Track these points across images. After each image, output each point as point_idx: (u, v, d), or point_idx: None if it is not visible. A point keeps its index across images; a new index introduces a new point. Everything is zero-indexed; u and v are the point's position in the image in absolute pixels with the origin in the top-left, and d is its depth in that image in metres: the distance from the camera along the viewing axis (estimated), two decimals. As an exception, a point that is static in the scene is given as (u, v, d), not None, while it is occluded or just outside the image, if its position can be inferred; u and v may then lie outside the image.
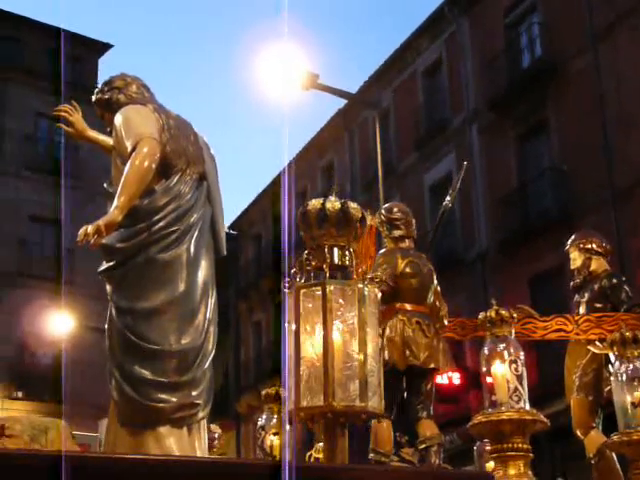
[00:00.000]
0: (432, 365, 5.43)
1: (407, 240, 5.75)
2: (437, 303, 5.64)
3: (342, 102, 22.31)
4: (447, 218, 6.61)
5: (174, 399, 3.51)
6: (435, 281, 5.70)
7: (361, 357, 2.88)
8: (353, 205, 3.07)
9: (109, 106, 3.99)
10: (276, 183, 27.64)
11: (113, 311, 3.65)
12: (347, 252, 2.99)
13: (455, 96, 21.21)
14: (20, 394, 22.49)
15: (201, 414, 3.61)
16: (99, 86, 4.12)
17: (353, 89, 21.50)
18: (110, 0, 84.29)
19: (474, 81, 20.64)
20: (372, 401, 2.88)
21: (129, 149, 3.63)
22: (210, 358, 3.70)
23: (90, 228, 3.45)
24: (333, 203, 3.00)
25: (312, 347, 2.89)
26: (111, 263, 3.68)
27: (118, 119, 3.80)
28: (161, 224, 3.63)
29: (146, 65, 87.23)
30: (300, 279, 2.97)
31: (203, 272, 3.72)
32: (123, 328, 3.58)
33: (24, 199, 23.70)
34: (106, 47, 27.61)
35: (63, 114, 4.29)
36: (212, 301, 3.76)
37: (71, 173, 23.80)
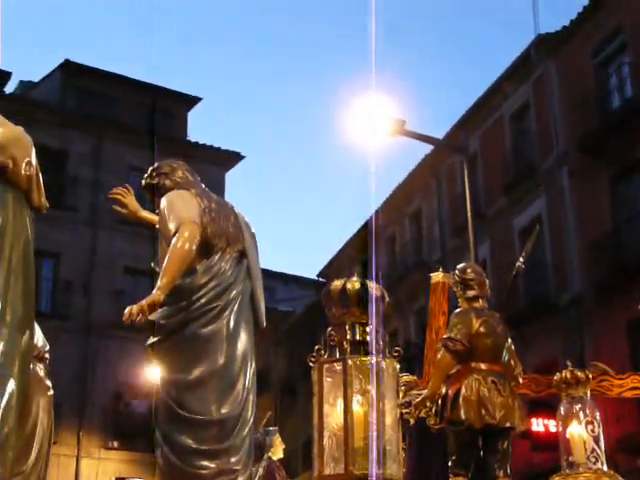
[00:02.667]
0: (508, 424, 5.51)
1: (480, 300, 6.01)
2: (512, 362, 5.78)
3: (429, 148, 22.32)
4: (524, 271, 6.80)
5: (214, 465, 3.76)
6: (509, 340, 5.87)
7: (380, 428, 3.10)
8: (372, 285, 3.30)
9: (157, 190, 4.30)
10: (364, 230, 27.64)
11: (160, 383, 3.95)
12: (367, 329, 3.27)
13: (544, 139, 20.96)
14: (115, 444, 22.81)
15: (240, 479, 3.83)
16: (148, 172, 4.44)
17: (440, 135, 21.50)
18: (198, 54, 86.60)
19: (563, 123, 20.38)
20: (390, 469, 3.12)
21: (172, 232, 3.93)
22: (249, 425, 3.92)
23: (135, 308, 3.73)
24: (353, 283, 3.30)
25: (334, 418, 3.17)
26: (157, 338, 3.99)
27: (163, 203, 4.11)
28: (202, 301, 3.93)
29: (234, 115, 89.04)
30: (324, 354, 3.33)
31: (242, 344, 3.97)
32: (167, 399, 3.87)
33: (119, 251, 24.28)
34: (195, 100, 28.30)
35: (117, 197, 4.61)
36: (251, 371, 4.00)
37: (163, 224, 24.32)
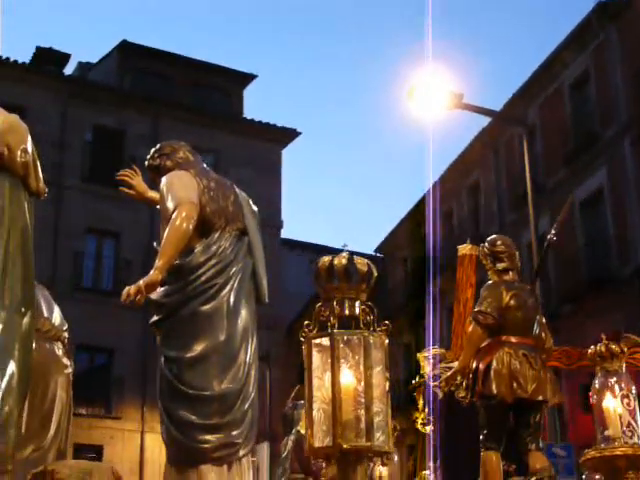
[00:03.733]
0: (540, 397, 5.46)
1: (511, 272, 5.91)
2: (543, 335, 5.70)
3: (487, 120, 21.96)
4: (550, 247, 6.74)
5: (215, 439, 3.86)
6: (540, 313, 5.75)
7: (367, 400, 3.18)
8: (360, 260, 3.39)
9: (158, 171, 4.40)
10: (422, 205, 27.42)
11: (162, 360, 4.05)
12: (356, 303, 3.31)
13: (605, 108, 20.45)
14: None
15: (242, 452, 3.93)
16: (150, 153, 4.54)
17: (498, 107, 21.14)
18: (253, 31, 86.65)
19: (624, 92, 19.85)
20: (379, 440, 3.18)
21: (170, 212, 4.02)
22: (251, 399, 4.00)
23: (132, 288, 3.86)
24: (340, 259, 3.36)
25: (322, 392, 3.23)
26: (158, 316, 4.09)
27: (162, 184, 4.21)
28: (202, 279, 4.01)
29: (289, 92, 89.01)
30: (314, 329, 3.33)
31: (243, 320, 4.05)
32: (170, 375, 3.97)
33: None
34: (251, 77, 28.33)
35: (125, 178, 4.71)
36: (252, 346, 4.08)
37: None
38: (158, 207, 4.30)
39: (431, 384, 6.52)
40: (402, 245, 29.32)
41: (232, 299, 4.04)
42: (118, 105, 25.25)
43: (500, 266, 5.77)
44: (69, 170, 24.18)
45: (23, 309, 3.10)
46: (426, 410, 6.64)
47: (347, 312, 3.33)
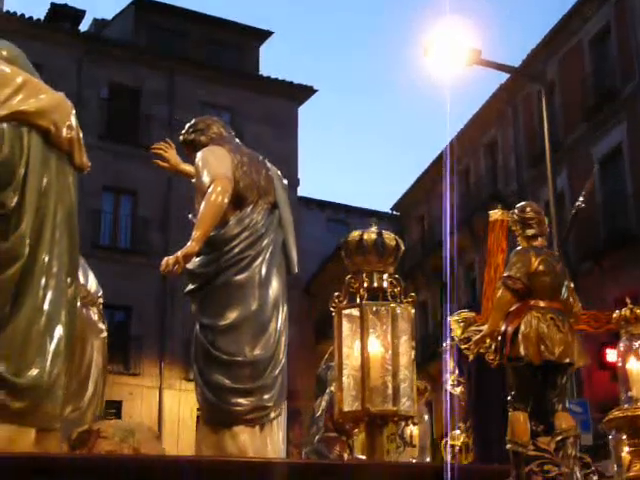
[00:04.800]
0: (567, 360, 5.56)
1: (540, 238, 6.12)
2: (570, 299, 5.79)
3: (505, 77, 21.75)
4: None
5: (247, 402, 4.06)
6: (568, 278, 5.90)
7: (394, 367, 3.41)
8: (388, 235, 3.60)
9: (192, 146, 4.54)
10: (439, 162, 27.32)
11: (197, 327, 4.23)
12: (383, 276, 3.54)
13: (625, 64, 20.23)
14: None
15: (272, 414, 4.14)
16: (185, 128, 4.68)
17: (516, 63, 20.93)
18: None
19: (646, 47, 19.56)
20: (404, 405, 3.43)
21: (205, 186, 4.19)
22: (281, 365, 4.20)
23: (171, 259, 4.03)
24: (370, 234, 3.57)
25: (352, 360, 3.45)
26: (194, 286, 4.27)
27: (197, 159, 4.35)
28: (236, 250, 4.19)
29: (306, 49, 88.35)
30: (344, 300, 3.55)
31: (274, 290, 4.24)
32: (205, 342, 4.15)
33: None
34: (267, 34, 28.11)
35: (159, 151, 4.86)
36: (283, 315, 4.26)
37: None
38: (193, 181, 4.44)
39: (462, 347, 6.64)
40: (419, 203, 29.26)
41: (264, 270, 4.22)
42: (134, 62, 25.12)
43: (529, 232, 5.93)
44: (85, 128, 23.63)
45: (69, 278, 3.29)
46: (456, 372, 6.77)
47: (375, 284, 3.51)
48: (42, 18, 25.51)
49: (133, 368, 23.04)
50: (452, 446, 6.37)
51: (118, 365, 22.89)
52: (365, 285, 3.52)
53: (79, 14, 26.42)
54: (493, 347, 5.99)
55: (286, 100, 26.52)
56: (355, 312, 3.50)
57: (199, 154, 4.38)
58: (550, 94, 20.24)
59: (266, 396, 4.09)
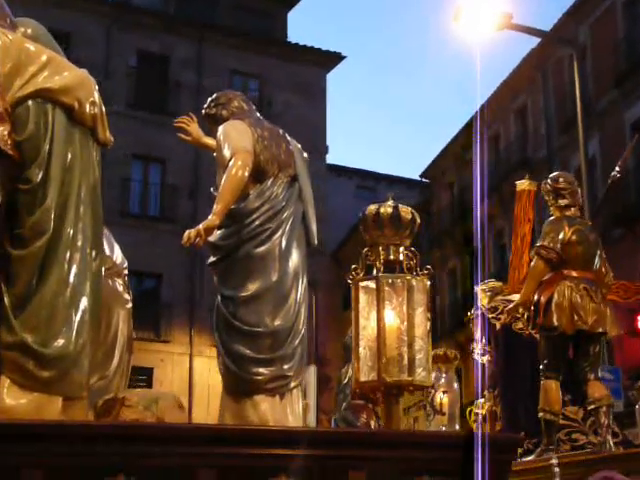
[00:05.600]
0: (600, 329, 5.67)
1: (573, 209, 6.13)
2: (603, 269, 5.89)
3: (536, 41, 21.48)
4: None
5: (268, 372, 4.16)
6: (601, 247, 5.95)
7: (409, 338, 3.49)
8: (404, 208, 3.70)
9: (214, 120, 4.62)
10: (468, 128, 27.10)
11: (219, 298, 4.32)
12: (399, 249, 3.64)
13: (658, 28, 19.85)
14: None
15: (292, 384, 4.22)
16: (207, 102, 4.74)
17: (547, 27, 20.64)
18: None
19: (680, 9, 19.21)
20: (420, 375, 3.52)
21: (227, 160, 4.26)
22: (301, 336, 4.27)
23: (192, 232, 4.12)
24: (386, 208, 3.66)
25: (368, 331, 3.56)
26: (216, 258, 4.38)
27: (219, 133, 4.44)
28: (256, 223, 4.27)
29: (334, 15, 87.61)
30: (361, 272, 3.67)
31: (294, 262, 4.31)
32: (226, 313, 4.25)
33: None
34: (295, 1, 27.92)
35: (182, 125, 4.95)
36: (302, 286, 4.33)
37: (265, 127, 24.44)
38: (214, 154, 4.51)
39: (489, 316, 6.68)
40: (448, 170, 29.11)
41: (284, 242, 4.30)
42: (162, 30, 25.16)
43: (562, 202, 6.02)
44: (114, 96, 24.22)
45: (94, 251, 3.38)
46: (483, 341, 6.81)
47: (392, 257, 3.63)
48: (71, -14, 25.48)
49: (164, 335, 23.32)
50: (477, 414, 6.47)
51: (149, 332, 23.17)
52: (382, 258, 3.62)
53: (108, -18, 26.39)
54: (525, 316, 6.03)
55: (315, 67, 26.43)
56: (372, 284, 3.59)
57: (220, 128, 4.46)
58: (581, 58, 19.96)
59: (286, 366, 4.18)
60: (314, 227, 4.47)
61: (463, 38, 18.80)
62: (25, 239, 3.19)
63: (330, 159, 27.36)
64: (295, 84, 25.77)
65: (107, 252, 4.73)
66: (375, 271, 3.62)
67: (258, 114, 4.67)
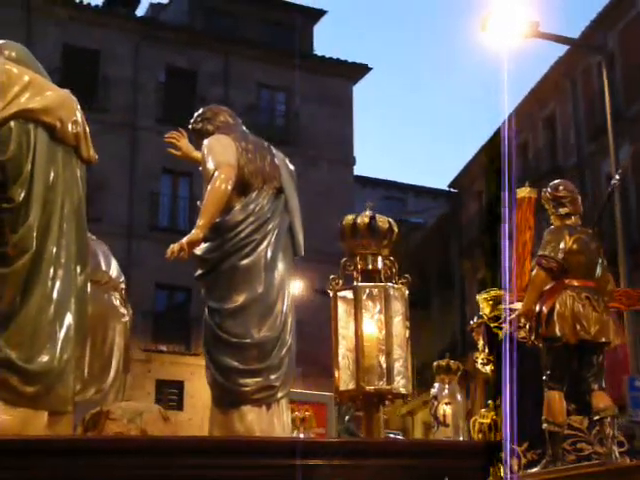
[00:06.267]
0: (603, 339, 5.59)
1: (573, 217, 6.04)
2: (604, 278, 5.81)
3: (563, 49, 21.35)
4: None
5: (254, 383, 4.18)
6: (603, 256, 5.87)
7: (388, 347, 3.52)
8: (381, 218, 3.72)
9: (200, 134, 4.69)
10: (496, 138, 26.95)
11: (206, 310, 4.37)
12: (377, 258, 3.67)
13: (688, 33, 19.62)
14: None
15: (279, 394, 4.23)
16: (194, 117, 4.83)
17: (575, 34, 20.49)
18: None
19: None
20: (399, 384, 3.58)
21: (210, 174, 4.33)
22: (287, 346, 4.28)
23: (176, 246, 4.21)
24: (363, 218, 3.74)
25: (347, 340, 3.61)
26: (202, 271, 4.43)
27: (204, 146, 4.52)
28: (241, 235, 4.31)
29: (360, 28, 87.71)
30: (339, 282, 3.74)
31: (279, 273, 4.33)
32: (212, 325, 4.28)
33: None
34: (320, 13, 28.07)
35: (172, 140, 5.04)
36: (289, 297, 4.35)
37: (292, 140, 24.54)
38: (200, 168, 4.59)
39: (491, 325, 6.62)
40: (477, 179, 28.95)
41: (269, 254, 4.33)
42: (189, 45, 25.36)
43: (562, 211, 5.94)
44: (143, 111, 24.51)
45: (78, 267, 3.45)
46: (486, 350, 6.76)
47: (370, 266, 3.67)
48: (100, 4, 25.88)
49: (194, 348, 23.37)
50: (481, 424, 6.42)
51: (179, 345, 23.30)
52: (359, 267, 3.67)
53: (135, -1, 26.76)
54: (527, 326, 5.97)
55: (341, 79, 26.49)
56: (349, 294, 3.66)
57: (205, 142, 4.54)
58: (610, 65, 19.80)
59: (273, 376, 4.21)
60: (301, 238, 4.50)
61: (490, 47, 18.75)
62: (8, 257, 3.26)
63: (357, 170, 27.39)
64: (322, 96, 25.83)
65: (104, 267, 4.84)
66: (353, 281, 3.70)
67: (244, 127, 4.75)
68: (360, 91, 61.84)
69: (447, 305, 29.25)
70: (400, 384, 3.57)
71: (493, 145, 26.88)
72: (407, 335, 3.62)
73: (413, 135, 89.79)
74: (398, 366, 3.55)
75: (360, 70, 27.13)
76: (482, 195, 28.67)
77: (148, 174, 23.90)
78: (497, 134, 26.81)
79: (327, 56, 26.87)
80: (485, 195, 28.31)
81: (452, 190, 30.44)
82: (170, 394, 22.81)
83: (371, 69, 27.12)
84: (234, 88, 25.22)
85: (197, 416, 20.87)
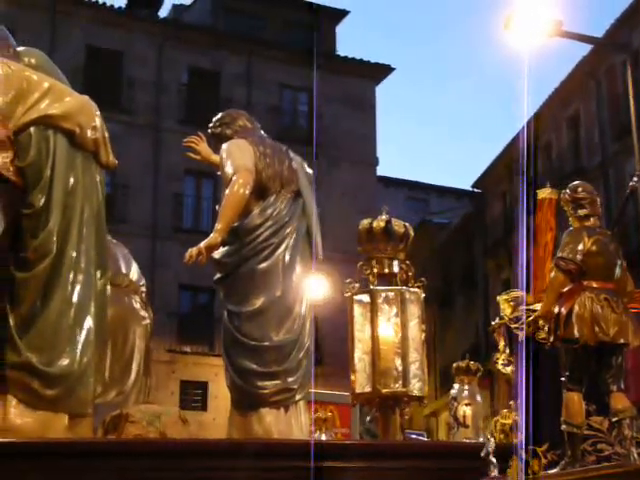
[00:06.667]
0: (622, 340, 5.57)
1: (592, 218, 6.05)
2: (624, 279, 5.74)
3: (587, 48, 21.21)
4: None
5: (273, 385, 4.20)
6: (621, 257, 5.87)
7: (404, 350, 3.56)
8: (397, 222, 3.75)
9: (219, 139, 4.75)
10: (519, 138, 26.83)
11: (225, 314, 4.42)
12: (393, 262, 3.69)
13: None
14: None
15: (298, 396, 4.26)
16: (212, 122, 4.88)
17: (599, 33, 20.35)
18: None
19: None
20: (414, 386, 3.60)
21: (228, 178, 4.37)
22: (305, 349, 4.29)
23: (194, 251, 4.23)
24: (379, 222, 3.75)
25: (364, 343, 3.64)
26: (221, 274, 4.48)
27: (222, 151, 4.56)
28: (259, 239, 4.34)
29: (382, 28, 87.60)
30: (355, 286, 3.78)
31: (298, 276, 4.35)
32: (231, 328, 4.33)
33: (274, 168, 24.79)
34: (343, 14, 28.07)
35: (191, 145, 5.13)
36: (307, 300, 4.35)
37: (316, 141, 24.55)
38: (218, 173, 4.65)
39: (512, 326, 6.65)
40: (501, 179, 28.83)
41: (287, 257, 4.35)
42: (212, 46, 25.44)
43: (581, 212, 5.93)
44: (166, 112, 24.61)
45: (99, 271, 3.51)
46: (507, 351, 6.78)
47: (386, 270, 3.70)
48: (123, 6, 26.01)
49: (218, 349, 23.42)
50: (503, 424, 6.45)
51: (203, 346, 23.36)
52: (375, 271, 3.71)
53: (158, 0, 26.86)
54: (547, 328, 6.00)
55: (363, 79, 26.46)
56: (366, 298, 3.70)
57: (224, 146, 4.58)
58: (635, 64, 19.67)
59: (290, 379, 4.23)
60: (319, 240, 4.51)
61: (514, 47, 18.70)
62: (29, 262, 3.31)
63: (380, 171, 27.36)
64: (344, 96, 25.82)
65: (124, 270, 4.86)
66: (369, 284, 3.73)
67: (262, 132, 4.77)
68: (383, 91, 61.90)
69: (471, 305, 29.17)
70: (416, 387, 3.61)
71: (517, 145, 26.81)
72: (423, 338, 3.64)
73: (436, 135, 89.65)
74: (414, 369, 3.59)
75: (383, 70, 27.09)
76: (506, 195, 28.57)
77: (171, 175, 23.98)
78: (519, 135, 26.75)
79: (350, 56, 26.86)
80: (509, 195, 28.23)
81: (476, 190, 30.33)
82: (194, 395, 22.89)
83: (394, 69, 27.07)
84: (257, 89, 25.27)
85: (221, 416, 20.95)
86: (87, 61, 23.31)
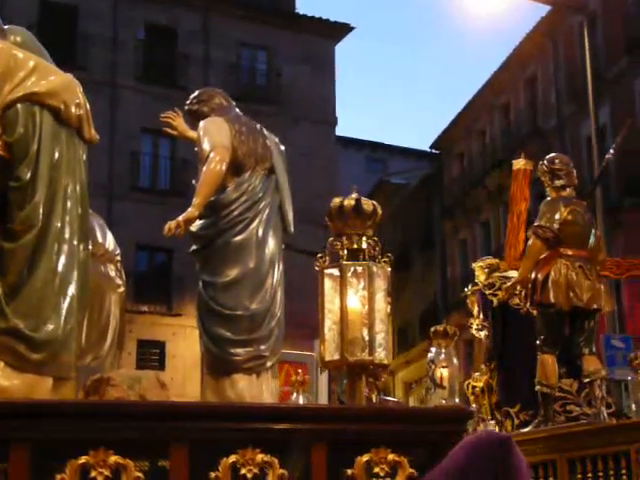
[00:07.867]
0: (594, 305, 5.91)
1: (568, 189, 6.37)
2: (597, 247, 6.12)
3: (545, 9, 21.37)
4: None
5: (245, 352, 4.46)
6: (595, 226, 6.19)
7: (370, 321, 3.79)
8: (366, 201, 4.00)
9: (196, 116, 4.92)
10: (477, 99, 27.03)
11: (200, 284, 4.62)
12: (362, 238, 3.94)
13: (669, -7, 19.66)
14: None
15: (269, 363, 4.54)
16: (189, 99, 5.06)
17: (557, -6, 20.47)
18: None
19: (690, -24, 19.01)
20: (380, 355, 3.82)
21: (205, 155, 4.56)
22: (277, 318, 4.58)
23: (172, 223, 4.38)
24: (349, 200, 4.01)
25: (333, 314, 3.87)
26: (197, 246, 4.66)
27: (199, 128, 4.73)
28: (234, 213, 4.55)
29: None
30: (326, 260, 4.01)
31: (270, 249, 4.61)
32: (207, 297, 4.54)
33: (230, 127, 24.66)
34: (303, -28, 27.79)
35: (168, 120, 5.27)
36: (279, 272, 4.65)
37: (273, 99, 24.47)
38: (195, 149, 4.81)
39: (486, 292, 6.87)
40: (458, 140, 29.07)
41: (260, 231, 4.59)
42: (169, 2, 25.13)
43: (558, 183, 6.27)
44: (123, 69, 24.35)
45: (82, 243, 3.63)
46: (481, 316, 7.01)
47: (355, 246, 3.91)
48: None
49: (175, 309, 23.53)
50: (474, 387, 6.74)
51: (161, 306, 23.42)
52: (345, 247, 3.93)
53: (115, -44, 26.32)
54: (523, 293, 6.25)
55: (323, 38, 26.39)
56: (336, 272, 3.91)
57: (201, 124, 4.75)
58: (592, 26, 19.82)
59: (262, 346, 4.48)
60: (290, 216, 4.78)
61: (474, 7, 18.77)
62: (16, 233, 3.44)
63: (339, 131, 27.41)
64: (304, 56, 25.75)
65: (100, 239, 5.05)
66: (340, 259, 3.95)
67: (237, 110, 4.95)
68: (343, 51, 61.74)
69: (428, 266, 29.50)
70: (381, 355, 3.83)
71: (474, 106, 26.97)
72: (388, 310, 3.86)
73: (395, 96, 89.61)
74: (380, 338, 3.80)
75: (342, 29, 27.03)
76: (464, 157, 28.83)
77: (128, 133, 23.78)
78: (479, 95, 26.94)
79: (309, 15, 26.70)
80: (466, 156, 28.48)
81: (434, 151, 30.55)
82: (152, 354, 22.96)
83: (353, 28, 27.02)
84: (214, 46, 25.07)
85: (179, 375, 21.07)
86: (41, 16, 22.86)
